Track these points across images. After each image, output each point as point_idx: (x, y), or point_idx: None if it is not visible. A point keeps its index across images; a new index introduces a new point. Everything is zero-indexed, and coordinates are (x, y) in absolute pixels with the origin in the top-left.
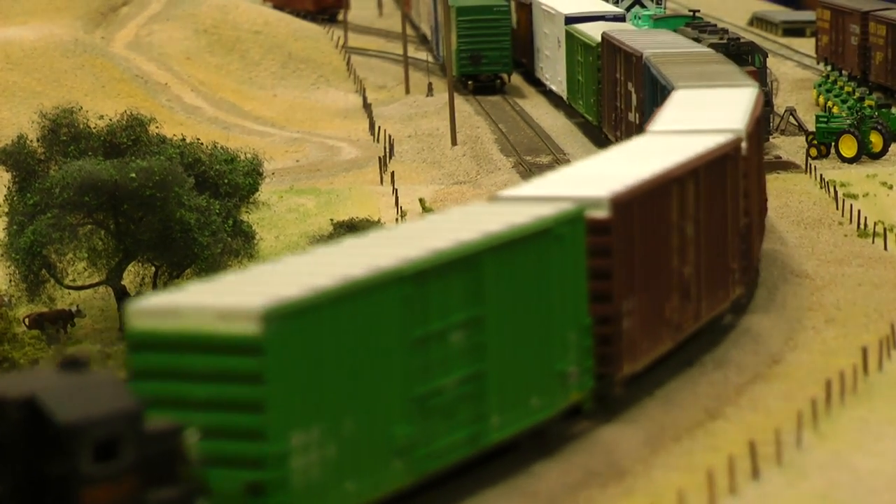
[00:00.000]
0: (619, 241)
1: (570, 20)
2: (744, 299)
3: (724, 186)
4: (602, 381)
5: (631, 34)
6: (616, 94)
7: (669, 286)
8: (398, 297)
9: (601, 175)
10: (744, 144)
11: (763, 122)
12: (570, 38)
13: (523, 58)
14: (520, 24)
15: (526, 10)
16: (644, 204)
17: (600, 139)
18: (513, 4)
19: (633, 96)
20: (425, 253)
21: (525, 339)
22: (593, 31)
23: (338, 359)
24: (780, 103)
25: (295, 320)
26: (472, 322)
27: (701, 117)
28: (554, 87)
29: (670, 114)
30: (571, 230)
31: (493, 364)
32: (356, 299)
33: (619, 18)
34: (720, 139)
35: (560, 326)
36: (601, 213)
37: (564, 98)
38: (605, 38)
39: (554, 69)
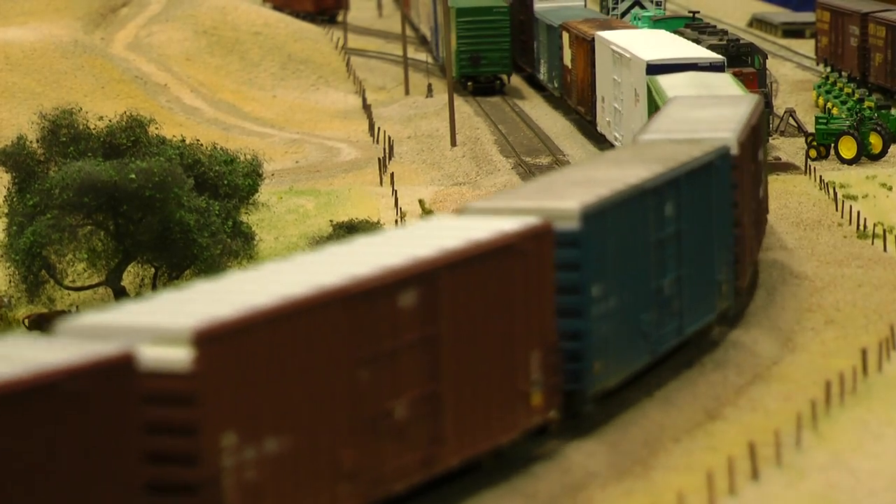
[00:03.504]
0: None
1: (655, 69)
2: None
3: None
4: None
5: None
6: None
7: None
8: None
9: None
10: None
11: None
12: (658, 95)
13: (580, 105)
14: (576, 63)
15: (586, 48)
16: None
17: (599, 140)
18: (566, 37)
19: None
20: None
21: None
22: (689, 87)
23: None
24: (780, 104)
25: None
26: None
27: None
28: None
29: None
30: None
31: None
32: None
33: (716, 67)
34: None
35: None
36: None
37: None
38: None
39: (628, 129)
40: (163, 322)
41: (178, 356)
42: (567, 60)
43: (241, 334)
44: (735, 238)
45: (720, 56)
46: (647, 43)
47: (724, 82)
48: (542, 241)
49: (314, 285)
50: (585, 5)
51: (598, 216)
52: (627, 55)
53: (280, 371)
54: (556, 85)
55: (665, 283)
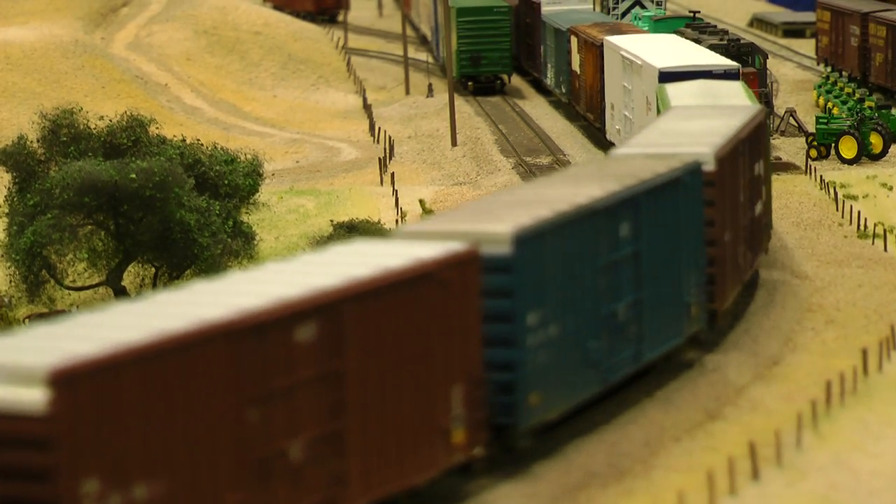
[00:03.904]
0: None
1: (667, 76)
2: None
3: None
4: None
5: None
6: None
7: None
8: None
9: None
10: None
11: None
12: (663, 104)
13: (589, 112)
14: (584, 69)
15: (595, 53)
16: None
17: (599, 140)
18: (574, 41)
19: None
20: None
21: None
22: (695, 96)
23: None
24: (781, 104)
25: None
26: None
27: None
28: None
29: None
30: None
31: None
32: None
33: (731, 74)
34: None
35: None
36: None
37: None
38: None
39: None
40: (18, 360)
41: (33, 397)
42: (575, 65)
43: (105, 373)
44: (711, 258)
45: (735, 63)
46: (659, 49)
47: (733, 91)
48: (467, 269)
49: (196, 319)
50: (594, 8)
51: (536, 239)
52: (639, 62)
53: (154, 411)
54: (563, 90)
55: (619, 308)
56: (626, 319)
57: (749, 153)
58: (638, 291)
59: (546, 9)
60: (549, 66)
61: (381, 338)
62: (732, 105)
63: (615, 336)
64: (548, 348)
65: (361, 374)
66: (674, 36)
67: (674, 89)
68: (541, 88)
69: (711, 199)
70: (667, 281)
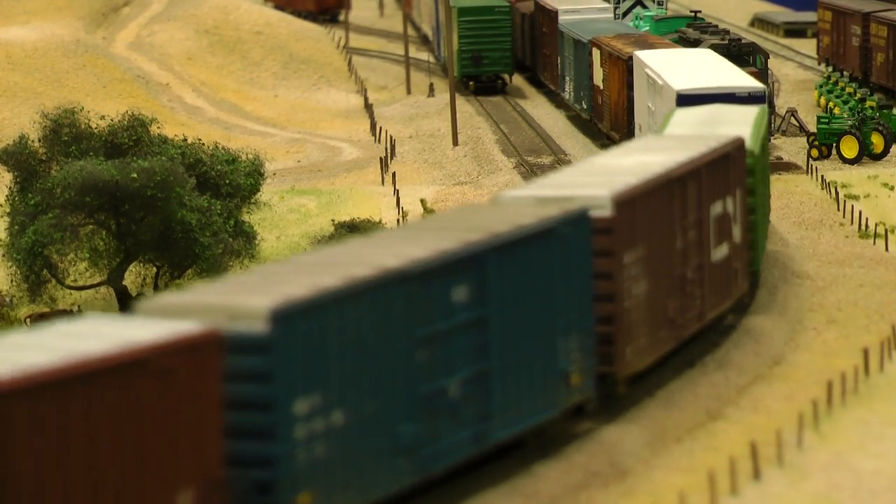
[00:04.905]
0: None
1: (686, 99)
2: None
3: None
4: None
5: None
6: None
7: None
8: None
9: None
10: None
11: None
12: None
13: (613, 130)
14: (608, 84)
15: (621, 67)
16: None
17: (600, 139)
18: (596, 54)
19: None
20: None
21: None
22: (696, 124)
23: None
24: (782, 104)
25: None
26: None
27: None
28: None
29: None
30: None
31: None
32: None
33: (756, 97)
34: None
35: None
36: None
37: None
38: None
39: None
40: None
41: None
42: (598, 80)
43: None
44: (608, 316)
45: (761, 85)
46: (685, 68)
47: (741, 118)
48: (201, 353)
49: None
50: (615, 17)
51: (309, 313)
52: (660, 81)
53: None
54: (584, 106)
55: (451, 384)
56: (461, 396)
57: (701, 191)
58: (482, 363)
59: (564, 17)
60: (567, 79)
61: (68, 440)
62: (717, 134)
63: (443, 416)
64: (329, 438)
65: (36, 484)
66: (707, 52)
67: (681, 115)
68: (548, 91)
69: (609, 248)
70: (531, 347)
